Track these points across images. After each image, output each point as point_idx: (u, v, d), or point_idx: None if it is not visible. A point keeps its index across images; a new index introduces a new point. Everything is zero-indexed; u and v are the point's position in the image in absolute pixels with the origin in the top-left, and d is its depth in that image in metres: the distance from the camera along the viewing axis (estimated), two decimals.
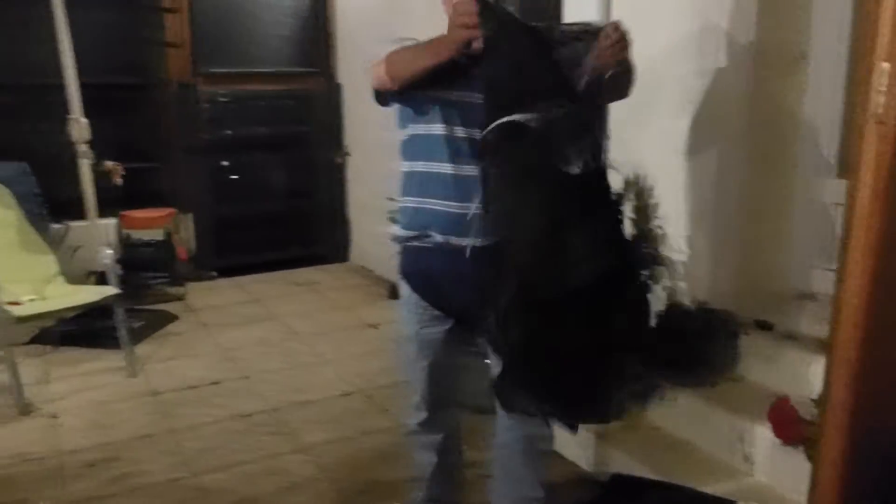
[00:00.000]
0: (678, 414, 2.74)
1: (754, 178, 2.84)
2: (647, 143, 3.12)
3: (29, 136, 4.72)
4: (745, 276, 2.89)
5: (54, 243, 4.30)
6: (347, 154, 5.80)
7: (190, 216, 5.48)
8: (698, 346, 2.64)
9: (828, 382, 1.09)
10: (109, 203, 4.74)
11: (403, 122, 2.10)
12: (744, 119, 2.77)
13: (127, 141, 5.16)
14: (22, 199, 4.10)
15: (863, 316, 1.04)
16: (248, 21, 5.52)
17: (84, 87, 4.21)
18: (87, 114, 4.19)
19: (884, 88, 0.98)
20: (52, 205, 4.43)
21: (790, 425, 2.21)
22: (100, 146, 4.46)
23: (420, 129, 2.03)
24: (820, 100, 2.70)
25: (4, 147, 4.53)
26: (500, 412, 2.25)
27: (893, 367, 1.10)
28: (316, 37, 5.72)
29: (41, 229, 4.15)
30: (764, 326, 2.75)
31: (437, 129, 1.98)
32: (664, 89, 3.06)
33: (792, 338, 2.65)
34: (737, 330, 2.68)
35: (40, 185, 4.27)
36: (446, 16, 1.96)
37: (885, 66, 0.97)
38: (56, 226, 4.63)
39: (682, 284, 3.01)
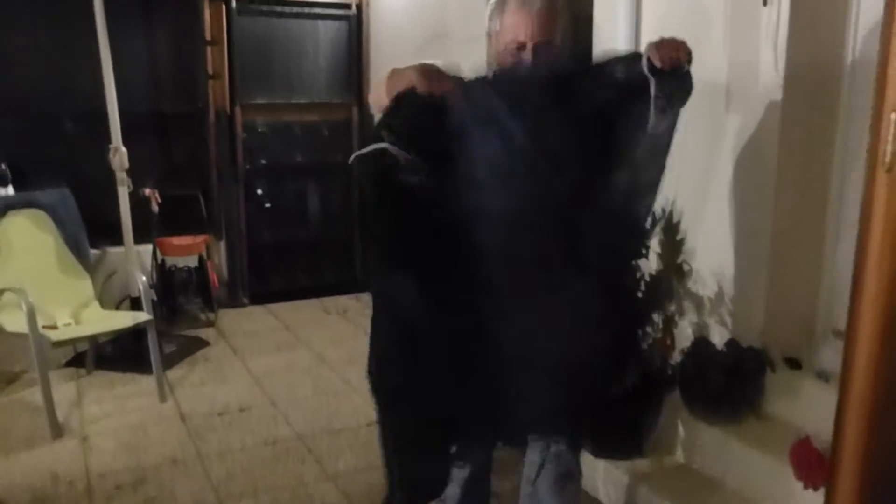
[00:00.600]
0: (708, 451, 2.71)
1: (785, 214, 2.82)
2: (675, 177, 3.12)
3: (74, 162, 4.85)
4: (775, 312, 2.86)
5: (92, 268, 4.41)
6: None
7: (223, 243, 5.58)
8: (725, 382, 2.63)
9: (839, 423, 1.08)
10: (148, 228, 4.88)
11: None
12: (774, 153, 2.76)
13: (169, 168, 5.30)
14: (62, 224, 4.20)
15: (875, 359, 1.03)
16: (285, 53, 5.64)
17: (131, 114, 4.40)
18: (132, 141, 4.34)
19: (891, 138, 0.98)
20: (93, 230, 4.56)
21: (811, 467, 2.17)
22: (143, 172, 4.63)
23: None
24: (853, 135, 2.68)
25: (50, 172, 4.66)
26: (530, 445, 2.25)
27: None
28: (350, 68, 5.82)
29: (80, 254, 4.24)
30: (793, 364, 2.71)
31: None
32: (692, 123, 3.06)
33: (822, 377, 2.61)
34: (764, 367, 2.66)
35: (83, 210, 4.39)
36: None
37: (894, 116, 0.97)
38: (94, 251, 4.75)
39: (710, 320, 3.01)
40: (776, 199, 2.78)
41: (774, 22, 2.68)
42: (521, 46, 1.94)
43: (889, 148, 1.01)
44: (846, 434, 1.08)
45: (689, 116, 3.08)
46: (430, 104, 1.77)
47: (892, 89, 0.99)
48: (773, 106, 2.73)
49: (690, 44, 2.99)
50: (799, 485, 2.30)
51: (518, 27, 1.93)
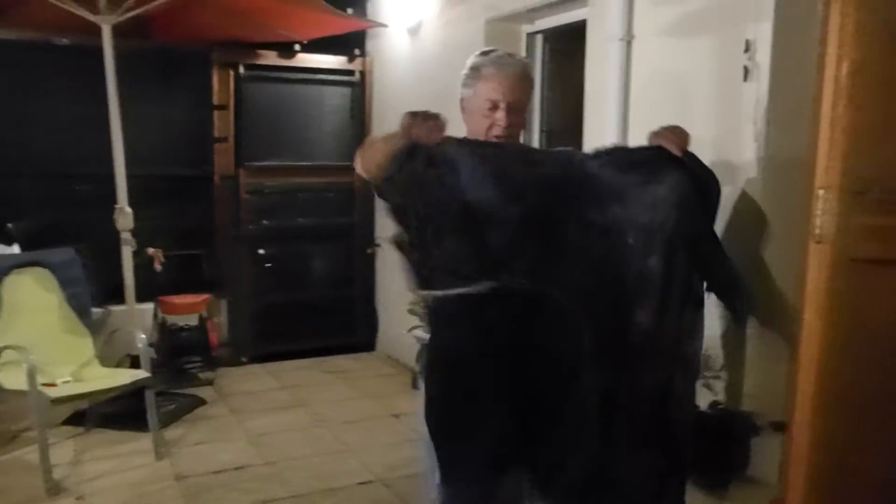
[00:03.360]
0: None
1: (772, 281, 2.86)
2: None
3: (84, 224, 4.95)
4: (766, 375, 2.88)
5: (95, 327, 4.47)
6: (378, 245, 5.95)
7: (224, 302, 5.66)
8: (712, 447, 2.64)
9: (785, 486, 1.12)
10: (153, 288, 4.96)
11: None
12: (756, 225, 2.81)
13: (177, 229, 5.41)
14: (67, 284, 4.27)
15: (811, 414, 1.08)
16: (291, 118, 5.80)
17: (142, 177, 4.56)
18: (143, 203, 4.49)
19: (820, 212, 1.06)
20: (100, 289, 4.64)
21: None
22: (152, 234, 4.75)
23: None
24: None
25: (61, 233, 4.79)
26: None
27: (849, 475, 1.12)
28: (354, 132, 5.96)
29: (83, 313, 4.31)
30: (779, 428, 2.72)
31: None
32: None
33: None
34: (750, 431, 2.68)
35: (91, 270, 4.48)
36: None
37: (821, 192, 1.05)
38: (97, 310, 4.82)
39: (699, 384, 3.03)
40: (762, 267, 2.83)
41: (754, 98, 2.77)
42: (493, 106, 2.10)
43: (818, 221, 1.08)
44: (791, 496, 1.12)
45: None
46: (431, 156, 1.85)
47: (820, 169, 1.07)
48: (754, 180, 2.79)
49: (673, 117, 3.09)
50: None
51: (493, 90, 2.09)
